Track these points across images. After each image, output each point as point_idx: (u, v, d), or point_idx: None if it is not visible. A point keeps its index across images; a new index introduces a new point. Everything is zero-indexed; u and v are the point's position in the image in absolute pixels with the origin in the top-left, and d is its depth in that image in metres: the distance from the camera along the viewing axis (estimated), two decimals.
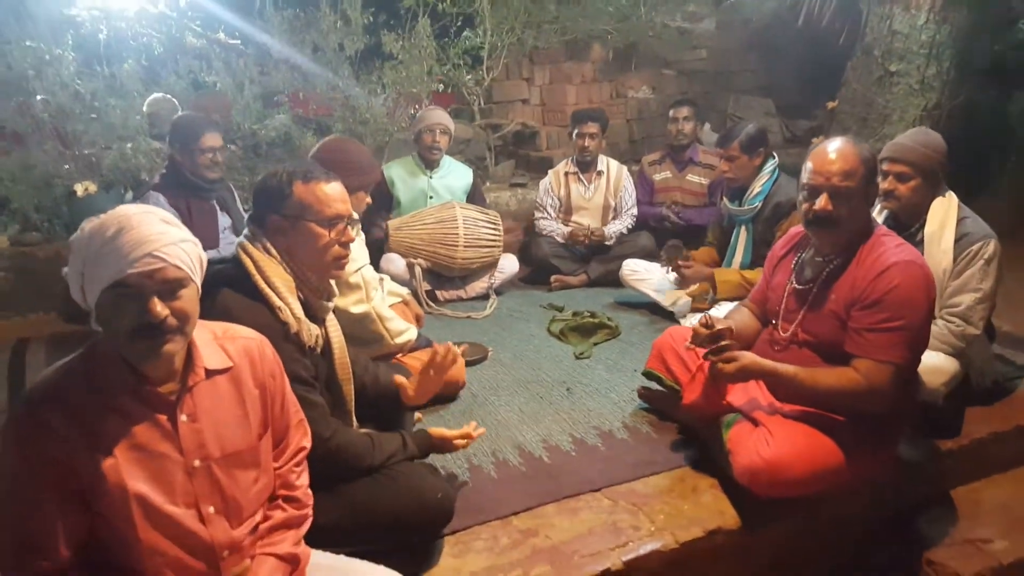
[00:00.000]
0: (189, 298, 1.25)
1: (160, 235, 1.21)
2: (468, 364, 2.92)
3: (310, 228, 1.69)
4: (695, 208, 4.37)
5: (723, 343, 1.97)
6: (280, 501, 1.47)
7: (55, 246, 3.86)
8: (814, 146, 2.06)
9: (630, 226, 4.31)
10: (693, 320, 2.77)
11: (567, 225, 4.33)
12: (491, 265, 4.03)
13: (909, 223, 2.39)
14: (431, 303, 3.81)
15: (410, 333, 2.57)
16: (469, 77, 5.32)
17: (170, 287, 1.21)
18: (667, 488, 2.17)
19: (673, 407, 2.45)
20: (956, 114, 4.24)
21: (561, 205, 4.39)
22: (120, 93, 4.16)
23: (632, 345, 3.28)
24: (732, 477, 2.01)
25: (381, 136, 4.77)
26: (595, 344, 3.30)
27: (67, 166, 3.87)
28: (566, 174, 4.37)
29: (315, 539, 1.52)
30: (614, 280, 3.95)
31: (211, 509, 1.31)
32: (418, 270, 3.82)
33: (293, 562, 1.42)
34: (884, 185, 2.34)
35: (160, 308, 1.19)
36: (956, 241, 2.31)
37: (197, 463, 1.29)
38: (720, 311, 3.03)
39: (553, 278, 4.20)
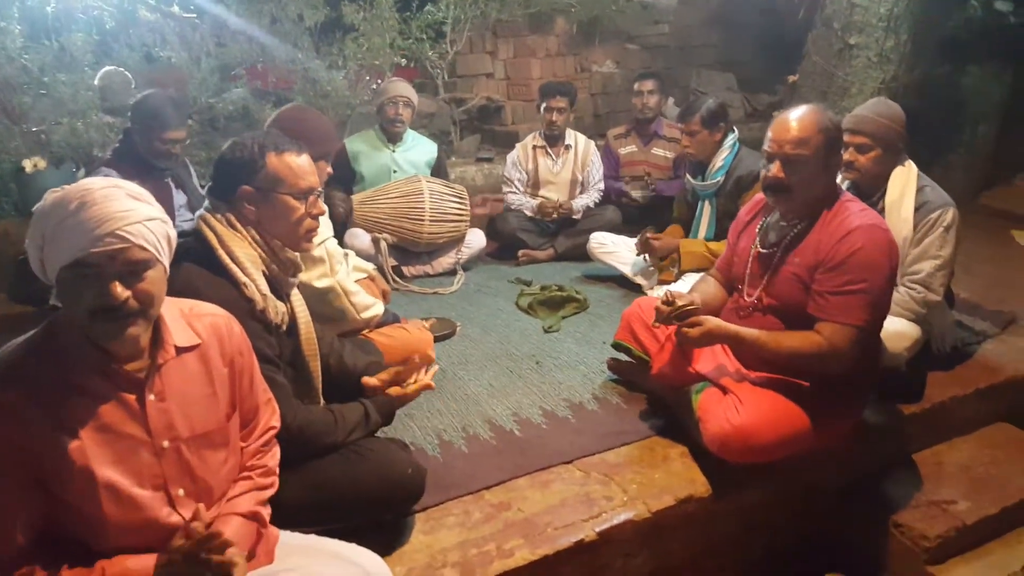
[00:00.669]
0: (154, 280, 1.19)
1: (125, 213, 1.15)
2: (436, 339, 2.89)
3: (284, 201, 1.65)
4: (664, 181, 4.38)
5: (688, 308, 1.99)
6: (246, 472, 1.44)
7: (2, 224, 3.72)
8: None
9: (597, 200, 4.30)
10: (660, 292, 2.79)
11: (534, 199, 4.31)
12: (458, 240, 3.98)
13: (870, 193, 2.43)
14: (397, 279, 3.77)
15: (376, 308, 2.53)
16: (433, 52, 5.23)
17: (133, 268, 1.16)
18: (638, 458, 2.19)
19: (642, 377, 2.46)
20: (913, 87, 4.31)
21: (529, 179, 4.36)
22: (70, 67, 3.99)
23: (600, 318, 3.29)
24: (702, 445, 2.04)
25: (343, 110, 4.67)
26: (563, 317, 3.30)
27: (15, 143, 3.72)
28: (534, 147, 4.34)
29: (284, 519, 1.50)
30: (581, 254, 3.95)
31: (180, 491, 1.28)
32: (383, 245, 3.76)
33: (256, 519, 1.39)
34: (845, 156, 2.36)
35: (120, 291, 1.14)
36: (916, 209, 2.36)
37: (166, 444, 1.26)
38: (685, 284, 3.06)
39: (520, 253, 4.18)
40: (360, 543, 1.52)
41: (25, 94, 3.84)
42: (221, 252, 1.59)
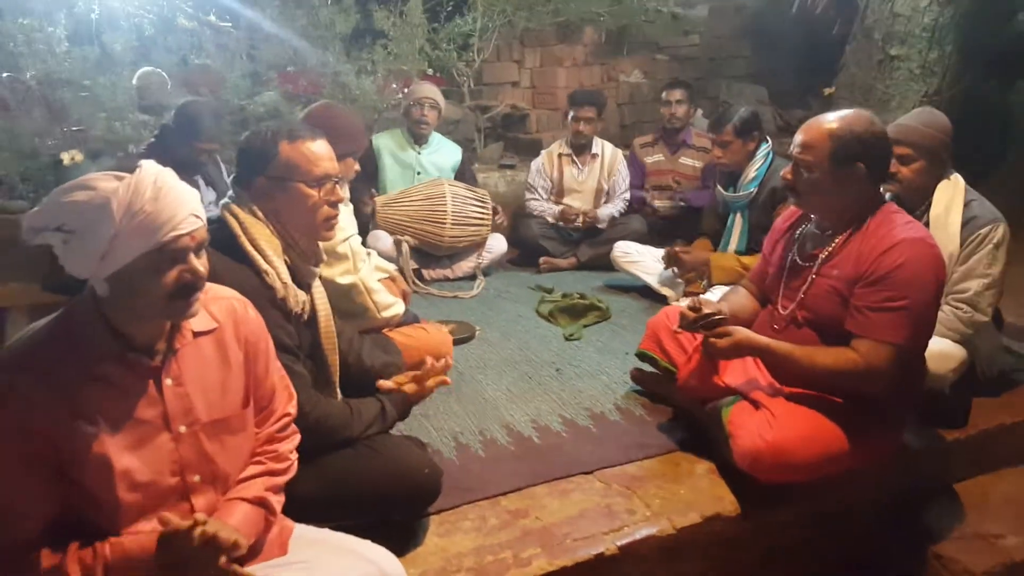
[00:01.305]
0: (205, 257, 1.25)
1: (191, 191, 1.21)
2: (455, 343, 2.83)
3: (298, 189, 1.62)
4: (693, 191, 4.29)
5: (716, 317, 1.91)
6: (257, 457, 1.40)
7: None
8: None
9: (622, 210, 4.23)
10: (687, 302, 2.71)
11: (558, 206, 4.25)
12: (479, 244, 3.94)
13: (913, 206, 2.32)
14: (417, 281, 3.73)
15: (397, 307, 2.49)
16: (460, 61, 5.26)
17: (201, 244, 1.21)
18: (661, 472, 2.10)
19: (667, 389, 2.38)
20: (956, 101, 4.15)
21: (553, 187, 4.30)
22: (110, 70, 4.12)
23: (623, 328, 3.22)
24: (731, 461, 1.94)
25: (370, 114, 4.70)
26: (585, 326, 3.23)
27: (52, 141, 3.81)
28: (560, 155, 4.28)
29: (296, 512, 1.47)
30: (604, 264, 3.88)
31: (197, 478, 1.26)
32: (405, 247, 3.73)
33: (264, 505, 1.34)
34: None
35: (200, 266, 1.19)
36: (963, 225, 2.25)
37: (183, 429, 1.24)
38: (714, 295, 2.97)
39: (542, 260, 4.13)
40: (374, 543, 1.47)
41: (67, 92, 3.94)
42: (244, 240, 1.58)
